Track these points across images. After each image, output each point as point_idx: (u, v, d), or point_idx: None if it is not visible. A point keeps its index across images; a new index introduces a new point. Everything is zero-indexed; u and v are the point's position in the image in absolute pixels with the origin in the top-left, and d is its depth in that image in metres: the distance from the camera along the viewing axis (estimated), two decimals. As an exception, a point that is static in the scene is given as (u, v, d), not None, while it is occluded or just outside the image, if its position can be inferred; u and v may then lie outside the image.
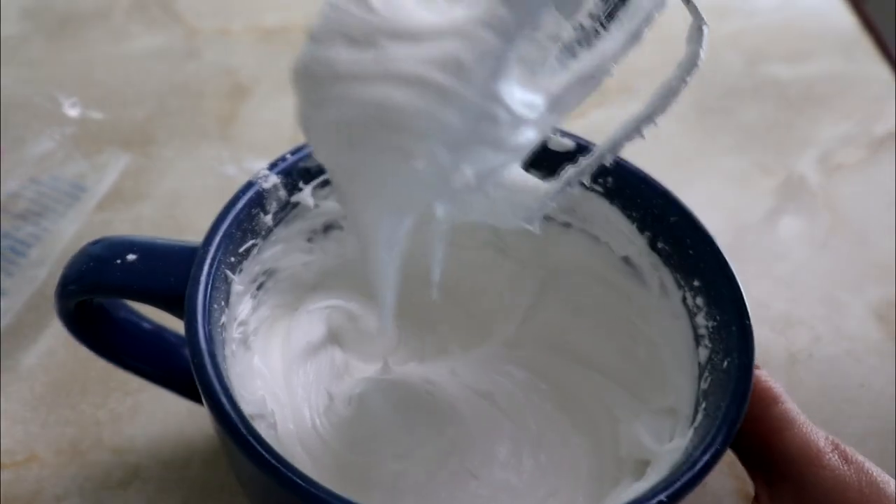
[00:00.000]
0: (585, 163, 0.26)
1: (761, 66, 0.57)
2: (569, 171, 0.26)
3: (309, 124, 0.24)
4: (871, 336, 0.43)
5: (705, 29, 0.24)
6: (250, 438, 0.24)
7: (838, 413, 0.39)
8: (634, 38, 0.23)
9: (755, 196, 0.50)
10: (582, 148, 0.32)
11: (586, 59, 0.23)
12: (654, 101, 0.25)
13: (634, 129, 0.25)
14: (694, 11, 0.24)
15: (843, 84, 0.57)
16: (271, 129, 0.51)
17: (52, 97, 0.49)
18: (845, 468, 0.27)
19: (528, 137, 0.24)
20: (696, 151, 0.53)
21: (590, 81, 0.24)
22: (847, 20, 0.61)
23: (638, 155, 0.30)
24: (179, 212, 0.47)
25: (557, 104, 0.24)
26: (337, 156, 0.24)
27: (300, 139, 0.55)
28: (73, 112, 0.49)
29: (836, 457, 0.27)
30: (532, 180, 0.27)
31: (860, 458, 0.28)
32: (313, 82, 0.23)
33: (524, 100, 0.23)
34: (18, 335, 0.40)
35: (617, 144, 0.25)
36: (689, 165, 0.52)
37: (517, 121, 0.23)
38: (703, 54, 0.24)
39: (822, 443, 0.28)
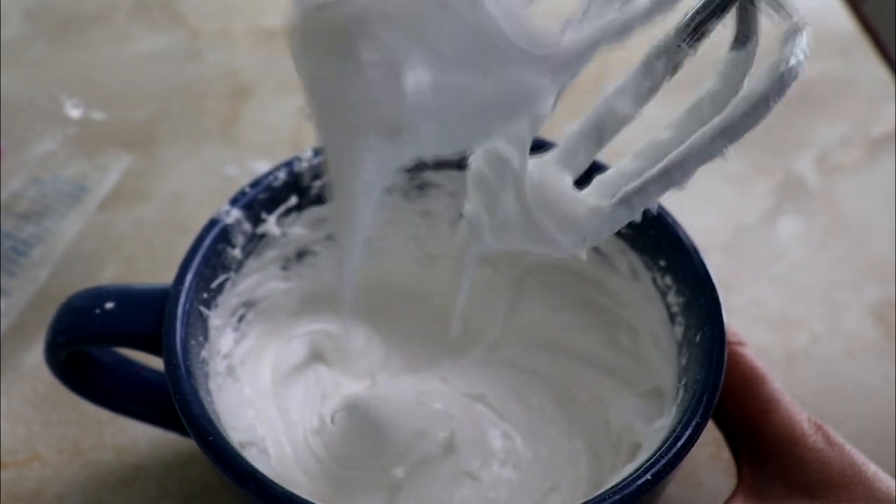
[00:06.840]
0: (648, 176, 0.24)
1: (760, 68, 0.57)
2: (627, 187, 0.24)
3: (294, 37, 0.21)
4: (868, 336, 0.43)
5: (804, 29, 0.21)
6: (233, 464, 0.25)
7: (836, 412, 0.40)
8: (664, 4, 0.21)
9: (753, 196, 0.50)
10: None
11: (612, 18, 0.21)
12: (738, 113, 0.22)
13: (712, 149, 0.23)
14: (784, 9, 0.21)
15: (841, 85, 0.57)
16: (273, 130, 0.51)
17: (54, 98, 0.49)
18: (829, 450, 0.28)
19: (529, 78, 0.21)
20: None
21: (606, 42, 0.21)
22: (845, 22, 0.61)
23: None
24: (181, 212, 0.47)
25: (574, 56, 0.21)
26: (315, 69, 0.21)
27: (301, 139, 0.55)
28: (75, 113, 0.49)
29: (820, 438, 0.28)
30: (579, 196, 0.25)
31: (841, 439, 0.29)
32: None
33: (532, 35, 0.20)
34: (21, 335, 0.41)
35: (689, 165, 0.23)
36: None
37: (513, 49, 0.19)
38: (803, 58, 0.21)
39: (805, 424, 0.29)
